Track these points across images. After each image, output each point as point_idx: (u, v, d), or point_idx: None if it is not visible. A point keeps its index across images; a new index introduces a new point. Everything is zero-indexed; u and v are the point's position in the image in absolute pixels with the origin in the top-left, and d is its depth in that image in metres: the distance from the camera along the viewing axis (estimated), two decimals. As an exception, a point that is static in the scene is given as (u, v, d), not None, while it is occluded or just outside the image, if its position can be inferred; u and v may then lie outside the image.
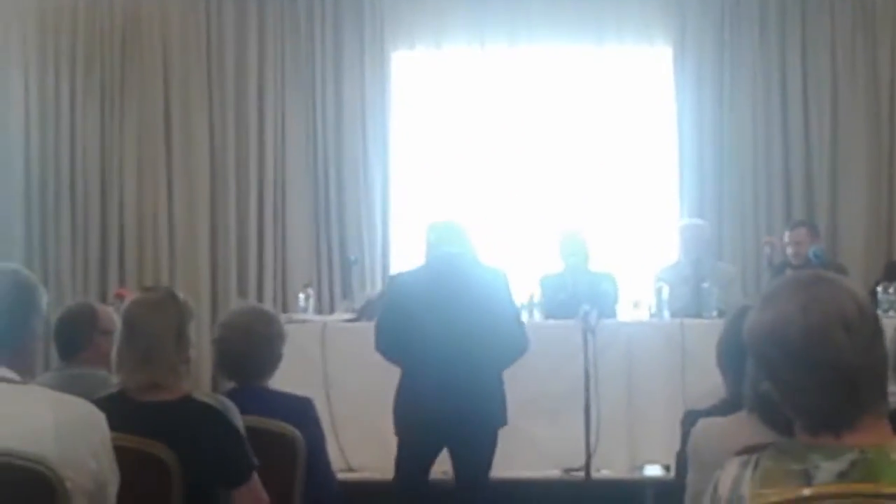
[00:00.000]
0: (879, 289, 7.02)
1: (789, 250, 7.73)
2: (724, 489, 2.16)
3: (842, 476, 2.06)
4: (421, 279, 6.05)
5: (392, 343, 5.89)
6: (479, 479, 5.85)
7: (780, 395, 2.14)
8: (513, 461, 6.69)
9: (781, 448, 2.16)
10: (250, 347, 4.49)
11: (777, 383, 2.14)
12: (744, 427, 2.64)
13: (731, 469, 2.19)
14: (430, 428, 5.78)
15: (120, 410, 3.15)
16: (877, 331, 2.12)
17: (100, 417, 2.98)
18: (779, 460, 2.14)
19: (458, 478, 5.84)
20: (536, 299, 7.37)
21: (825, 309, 2.09)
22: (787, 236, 7.81)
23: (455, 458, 5.81)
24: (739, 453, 2.20)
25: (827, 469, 2.07)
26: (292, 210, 9.10)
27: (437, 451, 5.86)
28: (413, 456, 5.90)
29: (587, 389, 6.25)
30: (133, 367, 3.60)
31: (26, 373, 3.04)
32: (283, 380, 4.78)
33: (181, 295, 3.78)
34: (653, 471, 6.55)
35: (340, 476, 5.68)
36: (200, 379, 8.29)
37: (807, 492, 2.04)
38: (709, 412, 3.18)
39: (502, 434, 6.65)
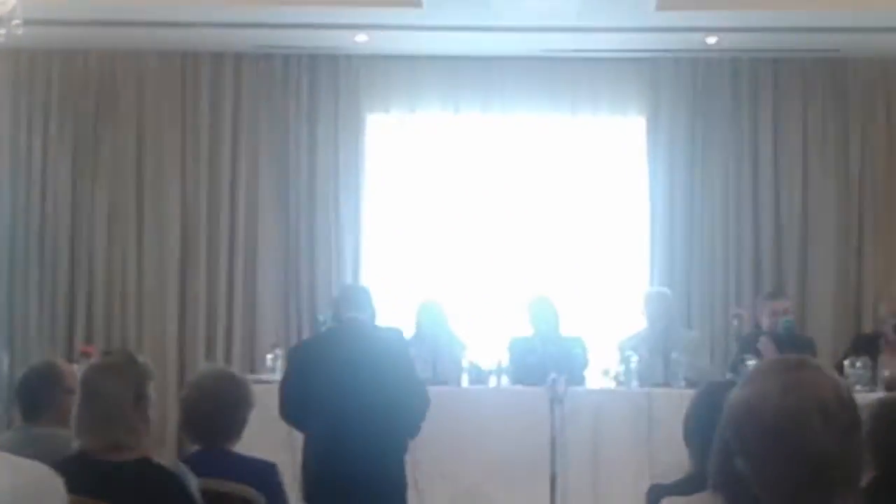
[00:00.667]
0: (847, 363, 7.04)
1: (765, 321, 7.72)
2: None
3: None
4: (320, 345, 6.23)
5: (295, 409, 5.99)
6: None
7: (752, 471, 2.13)
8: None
9: None
10: (216, 410, 4.46)
11: (749, 460, 2.13)
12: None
13: None
14: (336, 494, 5.82)
15: (78, 471, 3.11)
16: (855, 422, 2.11)
17: (58, 482, 2.94)
18: None
19: None
20: (504, 364, 7.37)
21: (804, 393, 2.09)
22: (769, 306, 7.80)
23: None
24: None
25: None
26: (263, 271, 9.08)
27: None
28: None
29: (553, 458, 6.23)
30: (91, 429, 3.58)
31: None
32: (248, 441, 4.75)
33: (140, 358, 3.76)
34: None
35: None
36: (166, 440, 8.24)
37: None
38: (673, 487, 3.17)
39: (468, 500, 6.66)
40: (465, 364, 7.46)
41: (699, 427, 3.20)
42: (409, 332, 7.60)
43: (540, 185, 9.22)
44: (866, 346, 7.62)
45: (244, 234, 9.09)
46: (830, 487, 2.09)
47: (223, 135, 9.13)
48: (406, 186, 9.30)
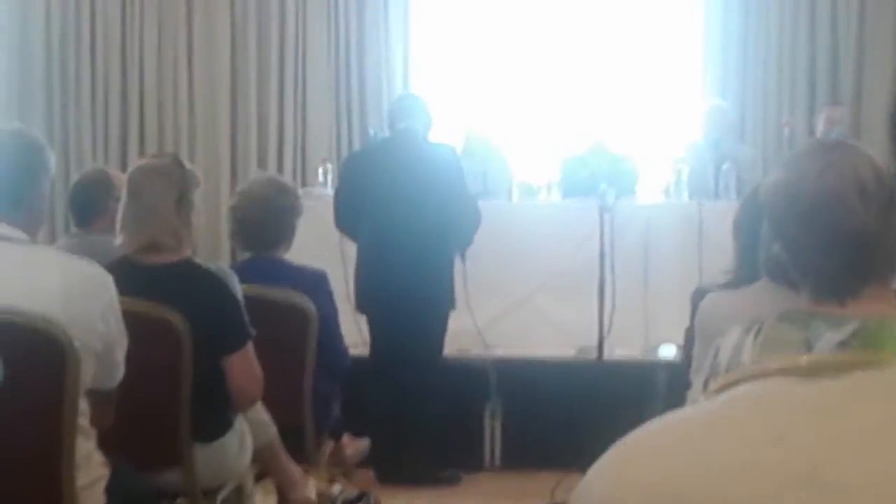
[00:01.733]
0: (899, 174, 6.94)
1: (820, 126, 7.63)
2: (725, 356, 2.16)
3: (841, 346, 2.05)
4: (372, 155, 6.34)
5: (348, 218, 6.13)
6: (431, 359, 6.03)
7: (789, 256, 2.13)
8: (528, 338, 6.76)
9: (785, 317, 2.14)
10: (263, 217, 4.50)
11: (787, 244, 2.12)
12: (751, 299, 2.62)
13: (733, 336, 2.16)
14: (382, 304, 5.91)
15: (122, 273, 3.15)
16: (893, 202, 2.08)
17: (107, 279, 2.99)
18: (781, 329, 2.11)
19: (409, 356, 5.95)
20: (556, 181, 7.35)
21: (841, 171, 2.06)
22: (826, 111, 7.71)
23: (406, 336, 5.91)
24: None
25: (828, 339, 2.06)
26: (312, 84, 9.02)
27: (397, 326, 5.97)
28: (378, 332, 6.03)
29: (602, 269, 6.24)
30: (134, 227, 3.63)
31: (34, 233, 3.04)
32: (299, 253, 4.81)
33: (187, 163, 3.78)
34: (667, 351, 6.55)
35: (356, 351, 5.75)
36: (220, 251, 8.35)
37: (804, 360, 2.03)
38: (716, 287, 3.18)
39: (518, 312, 6.72)
40: (515, 180, 7.45)
41: (746, 225, 3.18)
42: (459, 147, 7.61)
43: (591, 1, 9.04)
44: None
45: (294, 46, 9.01)
46: (867, 266, 2.07)
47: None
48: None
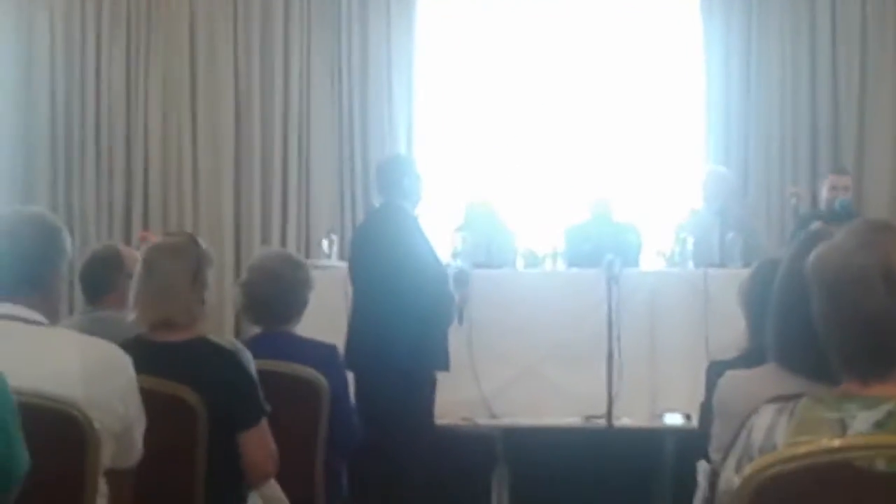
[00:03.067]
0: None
1: (825, 193, 7.68)
2: (758, 436, 2.15)
3: (878, 426, 2.04)
4: (360, 229, 6.64)
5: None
6: (416, 422, 6.02)
7: (822, 327, 2.14)
8: (535, 408, 6.75)
9: (816, 398, 2.15)
10: (277, 292, 4.52)
11: (817, 315, 2.14)
12: (770, 379, 2.63)
13: (766, 416, 2.17)
14: (365, 357, 5.93)
15: (137, 352, 3.16)
16: None
17: (126, 360, 3.01)
18: (814, 409, 2.12)
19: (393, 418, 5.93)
20: (560, 249, 7.38)
21: (871, 253, 2.07)
22: (828, 181, 7.76)
23: (389, 394, 5.91)
24: (773, 401, 2.20)
25: (863, 418, 2.05)
26: (317, 155, 9.07)
27: (378, 383, 5.96)
28: (362, 389, 6.00)
29: (610, 338, 6.25)
30: (148, 303, 3.64)
31: (52, 315, 3.06)
32: (306, 326, 4.81)
33: (202, 242, 3.81)
34: (673, 419, 6.55)
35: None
36: (224, 325, 8.33)
37: (838, 442, 2.05)
38: (733, 363, 3.18)
39: (525, 380, 6.72)
40: (519, 249, 7.47)
41: (756, 300, 3.20)
42: (460, 218, 7.66)
43: (594, 63, 9.10)
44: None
45: (297, 119, 9.06)
46: (888, 355, 2.07)
47: (274, 15, 9.04)
48: (458, 66, 9.21)
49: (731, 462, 2.19)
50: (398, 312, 5.86)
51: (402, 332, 5.85)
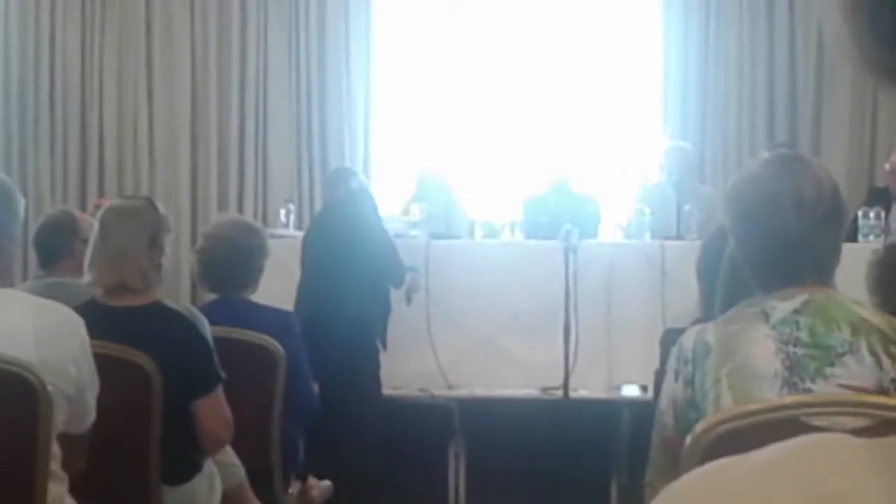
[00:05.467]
0: (860, 213, 7.03)
1: None
2: (689, 341, 2.38)
3: (796, 312, 2.29)
4: (310, 230, 6.61)
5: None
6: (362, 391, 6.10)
7: (739, 250, 2.39)
8: (492, 379, 6.75)
9: (743, 302, 2.40)
10: (233, 258, 4.49)
11: (736, 239, 2.39)
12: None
13: (694, 327, 2.44)
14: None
15: (91, 316, 3.13)
16: (830, 216, 2.30)
17: (78, 322, 2.98)
18: (739, 307, 2.38)
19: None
20: (518, 220, 7.38)
21: (784, 181, 2.28)
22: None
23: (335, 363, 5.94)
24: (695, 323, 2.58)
25: (782, 308, 2.30)
26: (274, 125, 9.04)
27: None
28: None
29: (567, 309, 6.26)
30: (103, 267, 3.60)
31: (5, 277, 3.03)
32: (262, 294, 4.79)
33: (160, 207, 3.78)
34: (630, 391, 6.57)
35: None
36: (180, 292, 8.30)
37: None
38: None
39: (482, 351, 6.73)
40: (477, 220, 7.47)
41: (709, 270, 3.21)
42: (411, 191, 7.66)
43: (552, 39, 9.10)
44: (879, 198, 7.60)
45: (255, 87, 9.03)
46: (801, 272, 2.31)
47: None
48: (417, 42, 9.20)
49: (668, 382, 2.34)
50: (349, 274, 5.89)
51: (352, 292, 5.88)
